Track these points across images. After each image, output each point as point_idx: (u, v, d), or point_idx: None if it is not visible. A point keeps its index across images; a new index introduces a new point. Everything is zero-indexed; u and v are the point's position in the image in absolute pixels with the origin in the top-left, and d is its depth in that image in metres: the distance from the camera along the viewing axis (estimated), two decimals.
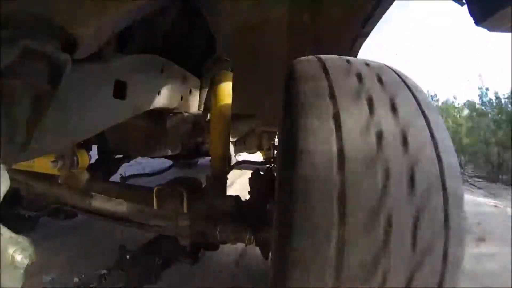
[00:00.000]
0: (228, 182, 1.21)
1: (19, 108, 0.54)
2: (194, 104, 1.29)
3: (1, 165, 0.53)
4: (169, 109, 1.13)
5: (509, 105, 6.27)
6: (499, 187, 4.83)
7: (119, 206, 1.12)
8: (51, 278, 0.96)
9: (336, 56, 0.74)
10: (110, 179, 1.73)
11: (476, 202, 3.68)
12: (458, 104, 7.70)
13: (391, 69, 0.71)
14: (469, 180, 5.35)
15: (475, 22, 0.57)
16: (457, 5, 0.72)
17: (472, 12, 0.57)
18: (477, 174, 5.84)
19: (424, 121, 0.58)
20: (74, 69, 0.59)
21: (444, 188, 0.53)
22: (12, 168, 1.16)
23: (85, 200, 1.16)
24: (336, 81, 0.62)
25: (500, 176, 5.50)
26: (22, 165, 1.22)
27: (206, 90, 1.31)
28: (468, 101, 7.48)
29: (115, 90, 0.81)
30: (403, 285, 0.50)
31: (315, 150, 0.52)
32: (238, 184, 3.48)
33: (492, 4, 0.52)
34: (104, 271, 1.02)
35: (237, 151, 2.95)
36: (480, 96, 6.90)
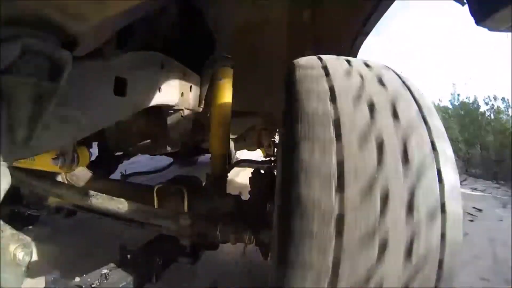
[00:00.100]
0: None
1: (20, 106, 0.54)
2: (195, 101, 1.28)
3: (2, 163, 0.53)
4: (169, 106, 1.13)
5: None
6: (470, 179, 5.71)
7: (120, 205, 1.12)
8: (53, 277, 0.96)
9: (337, 57, 0.73)
10: (111, 177, 1.74)
11: None
12: (439, 106, 8.57)
13: (393, 71, 0.70)
14: None
15: (475, 22, 0.57)
16: (458, 5, 0.72)
17: (472, 12, 0.57)
18: None
19: (425, 130, 0.57)
20: (74, 67, 0.59)
21: (443, 210, 0.53)
22: (12, 166, 1.17)
23: (85, 198, 1.16)
24: (337, 85, 0.61)
25: (467, 170, 6.49)
26: (23, 163, 1.22)
27: (207, 87, 1.31)
28: (442, 105, 8.60)
29: (115, 87, 0.81)
30: None
31: (314, 163, 0.52)
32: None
33: (492, 4, 0.52)
34: (105, 271, 1.02)
35: (237, 148, 2.95)
36: (451, 101, 8.26)
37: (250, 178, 1.19)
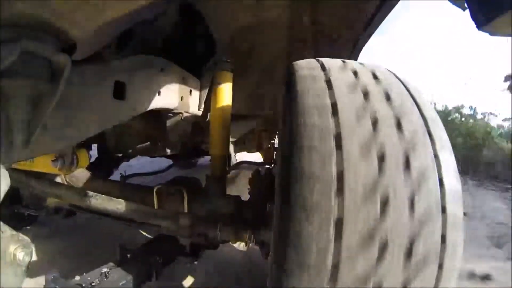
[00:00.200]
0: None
1: (19, 108, 0.54)
2: (194, 105, 1.28)
3: (1, 165, 0.53)
4: (169, 110, 1.13)
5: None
6: None
7: (119, 206, 1.12)
8: (53, 276, 0.96)
9: (342, 68, 0.70)
10: (110, 178, 1.74)
11: None
12: None
13: (399, 79, 0.68)
14: None
15: (476, 27, 0.57)
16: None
17: (473, 17, 0.57)
18: None
19: (429, 142, 0.56)
20: (73, 70, 0.59)
21: (444, 212, 0.52)
22: (12, 167, 1.16)
23: (84, 199, 1.16)
24: (340, 98, 0.59)
25: None
26: (22, 164, 1.22)
27: (206, 90, 1.31)
28: None
29: (114, 91, 0.81)
30: None
31: (315, 175, 0.52)
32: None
33: (493, 9, 0.52)
34: (105, 269, 1.02)
35: (237, 151, 2.95)
36: None
37: (250, 179, 1.19)
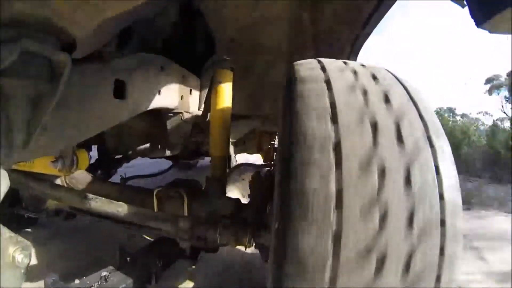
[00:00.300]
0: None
1: (19, 108, 0.54)
2: (194, 104, 1.28)
3: (1, 165, 0.53)
4: (169, 109, 1.12)
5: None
6: None
7: (119, 208, 1.11)
8: (52, 279, 0.96)
9: (342, 69, 0.69)
10: (110, 180, 1.73)
11: None
12: None
13: (401, 83, 0.67)
14: None
15: (476, 24, 0.56)
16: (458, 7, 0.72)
17: (473, 14, 0.57)
18: None
19: (430, 153, 0.55)
20: (73, 69, 0.59)
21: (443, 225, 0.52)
22: (12, 169, 1.16)
23: (84, 201, 1.15)
24: (340, 102, 0.59)
25: None
26: (22, 165, 1.22)
27: (206, 90, 1.30)
28: None
29: (114, 90, 0.80)
30: None
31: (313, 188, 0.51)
32: None
33: (492, 6, 0.52)
34: (104, 273, 1.02)
35: (237, 152, 2.95)
36: None
37: (250, 181, 1.18)
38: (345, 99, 0.59)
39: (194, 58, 1.31)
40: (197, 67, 1.28)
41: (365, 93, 0.61)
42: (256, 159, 4.01)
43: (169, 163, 2.83)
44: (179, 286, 1.47)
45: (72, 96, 0.67)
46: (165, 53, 1.06)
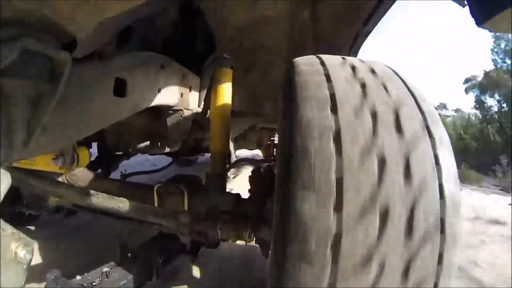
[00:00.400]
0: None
1: (19, 108, 0.54)
2: (194, 102, 1.28)
3: (1, 164, 0.53)
4: (169, 107, 1.13)
5: None
6: None
7: (120, 204, 1.12)
8: (54, 276, 0.96)
9: (342, 63, 0.70)
10: (111, 177, 1.74)
11: None
12: None
13: (399, 76, 0.68)
14: None
15: (476, 24, 0.56)
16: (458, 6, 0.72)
17: (473, 13, 0.57)
18: None
19: (429, 141, 0.56)
20: (74, 68, 0.59)
21: (443, 231, 0.52)
22: (12, 166, 1.17)
23: (85, 198, 1.16)
24: (339, 94, 0.59)
25: None
26: (23, 163, 1.22)
27: (206, 87, 1.30)
28: None
29: (115, 88, 0.80)
30: None
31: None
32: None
33: (493, 6, 0.52)
34: (106, 269, 1.02)
35: (237, 148, 2.96)
36: None
37: (250, 176, 1.19)
38: (344, 91, 0.60)
39: (194, 58, 1.31)
40: (197, 66, 1.28)
41: (363, 85, 0.62)
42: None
43: (169, 159, 2.83)
44: (180, 282, 1.48)
45: (72, 95, 0.67)
46: (165, 53, 1.06)
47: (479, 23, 0.56)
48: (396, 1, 1.04)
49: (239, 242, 1.10)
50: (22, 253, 0.58)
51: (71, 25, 0.52)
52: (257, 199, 1.12)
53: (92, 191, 1.17)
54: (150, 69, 0.95)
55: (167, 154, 2.50)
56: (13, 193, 1.51)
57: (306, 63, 0.70)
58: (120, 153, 1.76)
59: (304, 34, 1.26)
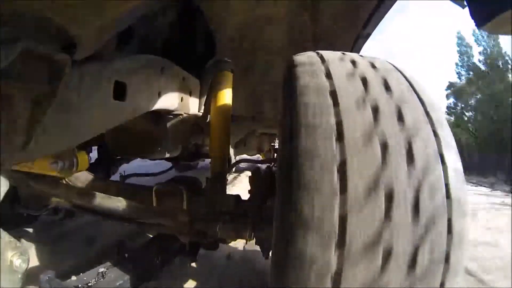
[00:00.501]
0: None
1: (18, 110, 0.54)
2: (194, 106, 1.28)
3: (1, 166, 0.52)
4: (169, 111, 1.12)
5: None
6: None
7: (119, 204, 1.11)
8: (48, 276, 0.95)
9: (341, 59, 0.69)
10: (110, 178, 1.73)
11: None
12: None
13: (399, 71, 0.68)
14: None
15: (476, 25, 0.57)
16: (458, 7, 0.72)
17: (473, 15, 0.57)
18: None
19: (431, 128, 0.56)
20: (73, 70, 0.58)
21: (449, 230, 0.51)
22: (11, 169, 1.16)
23: (84, 198, 1.15)
24: (340, 90, 0.59)
25: None
26: (22, 166, 1.22)
27: (206, 91, 1.30)
28: None
29: (114, 92, 0.80)
30: None
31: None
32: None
33: (493, 7, 0.52)
34: (102, 269, 1.01)
35: (237, 153, 2.95)
36: None
37: (250, 177, 1.18)
38: (345, 85, 0.60)
39: (194, 58, 1.31)
40: (197, 67, 1.28)
41: (364, 79, 0.62)
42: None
43: (169, 164, 2.82)
44: (178, 284, 1.46)
45: (72, 97, 0.67)
46: (165, 53, 1.06)
47: (479, 25, 0.56)
48: (396, 1, 1.05)
49: (239, 242, 1.09)
50: (18, 262, 0.58)
51: (71, 26, 0.52)
52: (257, 199, 1.11)
53: (91, 192, 1.16)
54: (151, 73, 0.95)
55: (167, 159, 2.49)
56: (12, 194, 1.50)
57: (306, 58, 0.70)
58: (120, 157, 1.76)
59: (304, 34, 1.26)
